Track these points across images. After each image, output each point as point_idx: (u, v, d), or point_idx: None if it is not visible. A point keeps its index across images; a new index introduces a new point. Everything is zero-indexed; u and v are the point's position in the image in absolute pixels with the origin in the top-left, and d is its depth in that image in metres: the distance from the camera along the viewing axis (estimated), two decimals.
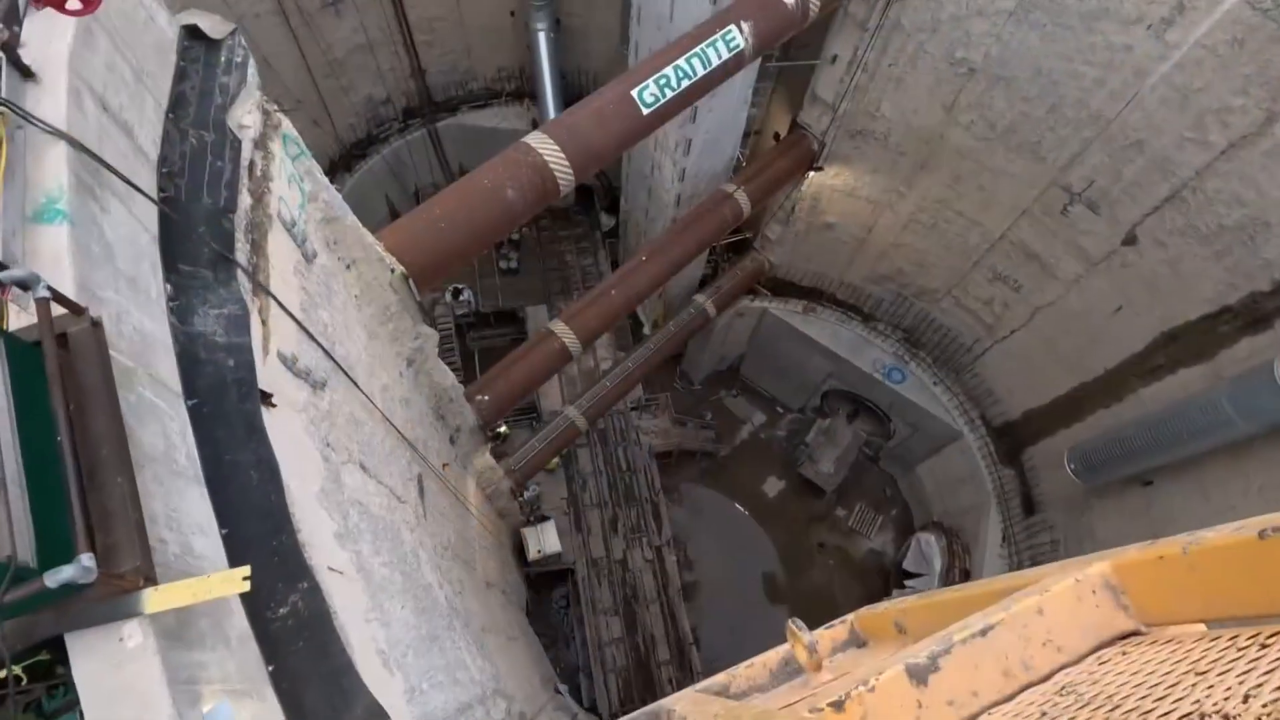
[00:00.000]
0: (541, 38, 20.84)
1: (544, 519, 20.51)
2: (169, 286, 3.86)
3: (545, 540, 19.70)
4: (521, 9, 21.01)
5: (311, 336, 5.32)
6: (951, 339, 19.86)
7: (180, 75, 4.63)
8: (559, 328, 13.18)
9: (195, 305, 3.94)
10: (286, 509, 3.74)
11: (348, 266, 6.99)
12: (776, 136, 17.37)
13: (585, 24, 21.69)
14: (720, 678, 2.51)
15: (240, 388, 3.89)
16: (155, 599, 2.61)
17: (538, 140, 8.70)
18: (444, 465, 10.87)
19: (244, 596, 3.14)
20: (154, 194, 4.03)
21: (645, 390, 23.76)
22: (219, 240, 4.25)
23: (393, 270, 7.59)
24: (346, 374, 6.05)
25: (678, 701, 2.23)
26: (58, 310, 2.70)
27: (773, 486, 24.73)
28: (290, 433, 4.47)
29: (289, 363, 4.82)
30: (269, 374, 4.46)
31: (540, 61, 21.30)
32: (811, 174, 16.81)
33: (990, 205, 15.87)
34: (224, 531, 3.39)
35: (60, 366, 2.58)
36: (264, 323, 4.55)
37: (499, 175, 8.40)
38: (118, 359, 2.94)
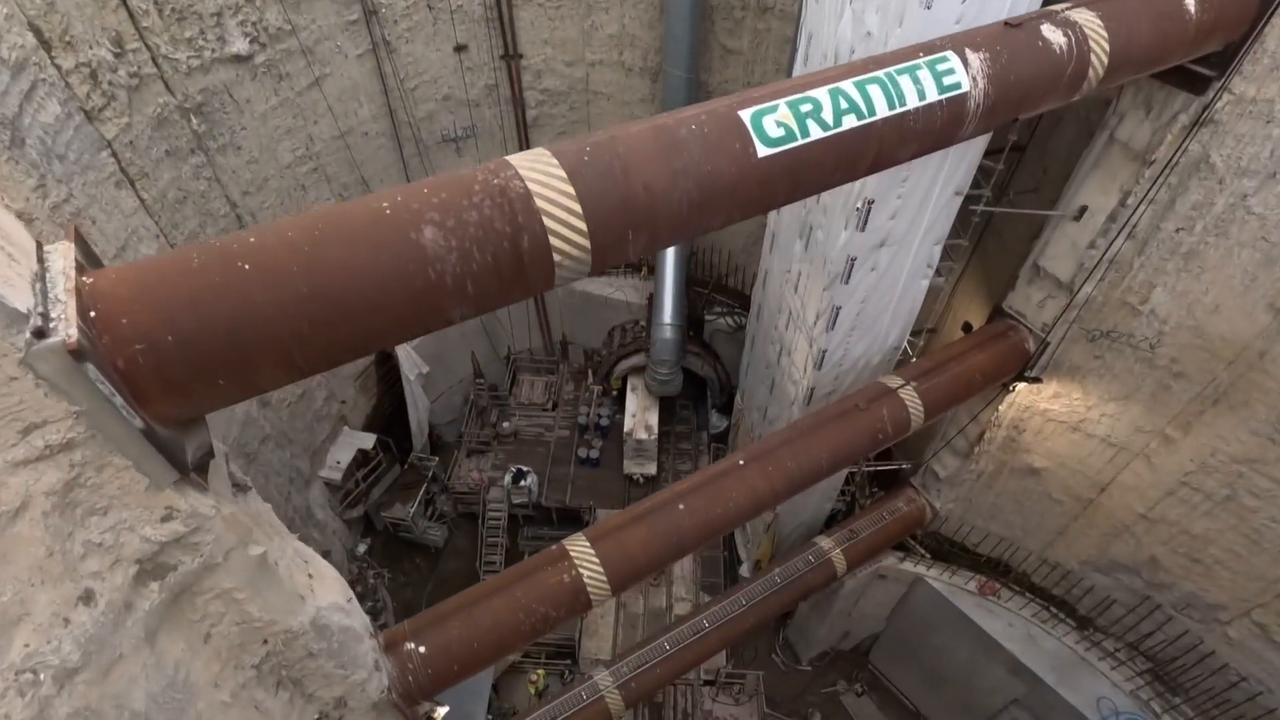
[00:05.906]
0: None
1: None
2: None
3: None
4: None
5: None
6: (1244, 693, 11.89)
7: None
8: (577, 549, 7.87)
9: None
10: None
11: None
12: (967, 327, 12.19)
13: None
14: None
15: None
16: None
17: (533, 162, 4.24)
18: None
19: None
20: None
21: (730, 658, 16.89)
22: None
23: (35, 333, 2.98)
24: None
25: None
26: None
27: None
28: None
29: None
30: None
31: None
32: (1019, 386, 11.22)
33: None
34: None
35: None
36: None
37: (419, 203, 3.90)
38: None
